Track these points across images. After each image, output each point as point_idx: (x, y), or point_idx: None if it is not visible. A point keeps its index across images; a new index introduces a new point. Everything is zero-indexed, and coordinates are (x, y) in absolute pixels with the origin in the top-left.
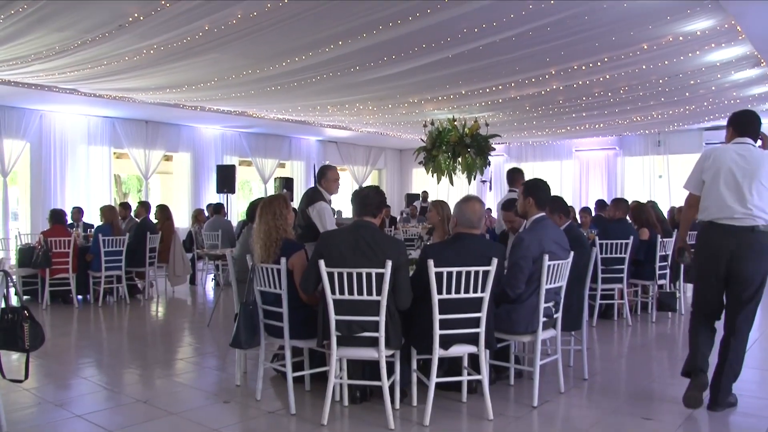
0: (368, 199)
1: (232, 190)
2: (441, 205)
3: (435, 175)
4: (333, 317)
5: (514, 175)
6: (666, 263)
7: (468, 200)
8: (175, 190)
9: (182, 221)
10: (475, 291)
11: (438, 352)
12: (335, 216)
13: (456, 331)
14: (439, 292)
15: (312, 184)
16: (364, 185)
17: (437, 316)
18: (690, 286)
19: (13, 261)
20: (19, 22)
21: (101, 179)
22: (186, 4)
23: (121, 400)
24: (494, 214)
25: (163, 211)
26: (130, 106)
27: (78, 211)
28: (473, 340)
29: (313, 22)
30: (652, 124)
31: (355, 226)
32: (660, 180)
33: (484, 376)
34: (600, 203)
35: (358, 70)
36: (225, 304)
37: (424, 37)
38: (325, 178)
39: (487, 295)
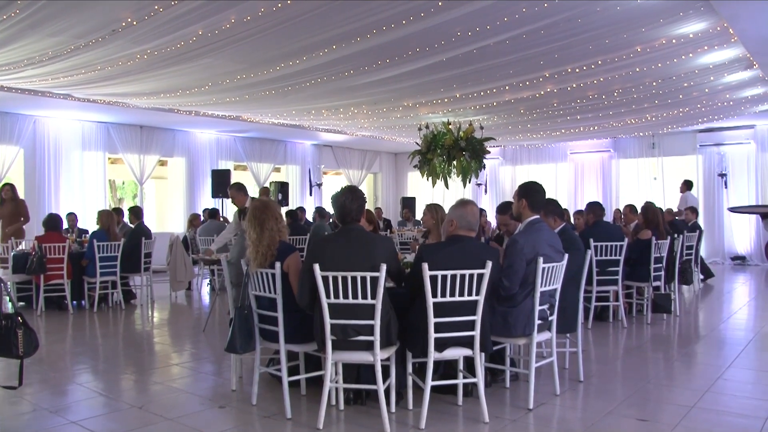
0: (345, 208)
1: (227, 195)
2: (435, 208)
3: (430, 178)
4: (328, 321)
5: None
6: (661, 265)
7: (466, 203)
8: (170, 195)
9: (177, 226)
10: (470, 294)
11: (433, 355)
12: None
13: (451, 334)
14: (434, 294)
15: (308, 189)
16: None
17: (432, 319)
18: (685, 288)
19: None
20: (12, 27)
21: (96, 185)
22: (179, 9)
23: (117, 406)
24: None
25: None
26: (124, 111)
27: (73, 218)
28: (468, 343)
29: (307, 26)
30: (646, 126)
31: (345, 231)
32: (654, 182)
33: (480, 378)
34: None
35: (353, 74)
36: (220, 309)
37: (418, 40)
38: None
39: (482, 298)
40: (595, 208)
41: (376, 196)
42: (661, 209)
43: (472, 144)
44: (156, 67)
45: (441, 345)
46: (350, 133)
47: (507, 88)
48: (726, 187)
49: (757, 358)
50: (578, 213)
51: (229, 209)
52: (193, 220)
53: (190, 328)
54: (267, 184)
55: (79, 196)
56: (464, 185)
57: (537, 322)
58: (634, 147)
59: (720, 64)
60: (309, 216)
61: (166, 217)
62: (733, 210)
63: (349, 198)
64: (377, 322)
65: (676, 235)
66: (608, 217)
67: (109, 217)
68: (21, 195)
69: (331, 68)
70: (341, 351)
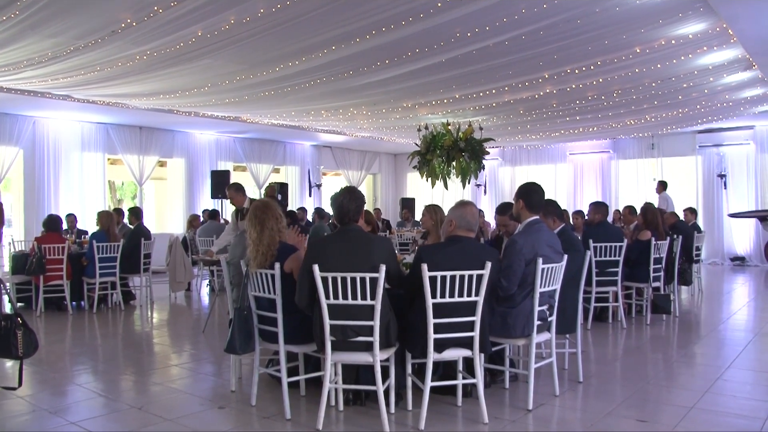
0: (343, 208)
1: (226, 196)
2: (434, 209)
3: (429, 179)
4: (327, 322)
5: None
6: (660, 266)
7: (466, 204)
8: (169, 195)
9: (177, 227)
10: (469, 295)
11: (432, 356)
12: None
13: (450, 334)
14: (434, 295)
15: (307, 190)
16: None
17: (431, 320)
18: (684, 289)
19: (7, 268)
20: (12, 28)
21: (95, 185)
22: (178, 10)
23: (116, 407)
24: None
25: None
26: (123, 112)
27: (73, 218)
28: (468, 343)
29: (307, 26)
30: (646, 127)
31: (343, 231)
32: (654, 183)
33: (479, 379)
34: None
35: (352, 75)
36: (220, 310)
37: (417, 41)
38: None
39: (481, 299)
40: (601, 207)
41: (376, 197)
42: (660, 210)
43: (472, 145)
44: (155, 68)
45: (440, 346)
46: (349, 134)
47: (506, 88)
48: (725, 188)
49: (756, 359)
50: (576, 213)
51: (228, 210)
52: (193, 221)
53: (190, 328)
54: (268, 185)
55: (79, 197)
56: (463, 186)
57: (536, 322)
58: (633, 148)
59: (719, 64)
60: (309, 217)
61: (166, 218)
62: (733, 216)
63: (347, 198)
64: (377, 323)
65: (675, 236)
66: (608, 218)
67: (108, 218)
68: (20, 196)
69: (331, 69)
70: (340, 352)
